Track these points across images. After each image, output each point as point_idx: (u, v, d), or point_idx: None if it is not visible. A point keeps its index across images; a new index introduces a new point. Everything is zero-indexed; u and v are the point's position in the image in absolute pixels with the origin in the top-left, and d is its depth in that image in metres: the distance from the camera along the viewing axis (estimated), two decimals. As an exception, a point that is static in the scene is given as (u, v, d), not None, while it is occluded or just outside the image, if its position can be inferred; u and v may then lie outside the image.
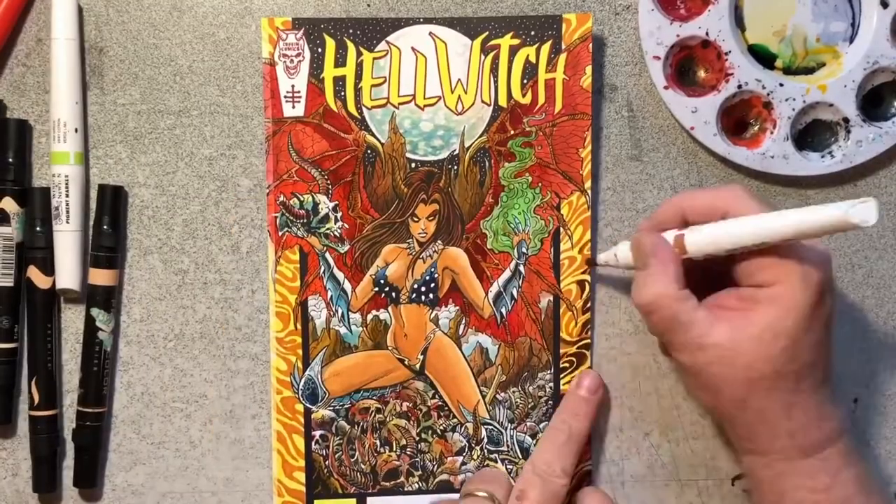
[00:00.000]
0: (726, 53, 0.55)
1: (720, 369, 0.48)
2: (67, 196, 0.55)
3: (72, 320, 0.57)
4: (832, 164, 0.57)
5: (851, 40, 0.56)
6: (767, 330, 0.47)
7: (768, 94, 0.56)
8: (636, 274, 0.51)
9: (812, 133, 0.57)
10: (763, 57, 0.56)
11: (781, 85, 0.56)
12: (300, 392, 0.56)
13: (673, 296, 0.48)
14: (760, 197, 0.50)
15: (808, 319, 0.47)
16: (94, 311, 0.55)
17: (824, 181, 0.58)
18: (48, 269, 0.55)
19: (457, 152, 0.56)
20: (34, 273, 0.55)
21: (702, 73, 0.57)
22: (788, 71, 0.57)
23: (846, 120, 0.56)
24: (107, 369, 0.56)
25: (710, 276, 0.51)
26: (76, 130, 0.55)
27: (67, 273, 0.55)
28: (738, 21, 0.56)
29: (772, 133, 0.56)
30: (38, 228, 0.55)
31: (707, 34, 0.55)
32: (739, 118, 0.57)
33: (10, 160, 0.55)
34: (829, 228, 0.45)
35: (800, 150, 0.57)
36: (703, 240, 0.49)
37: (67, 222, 0.55)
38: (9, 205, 0.55)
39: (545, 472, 0.53)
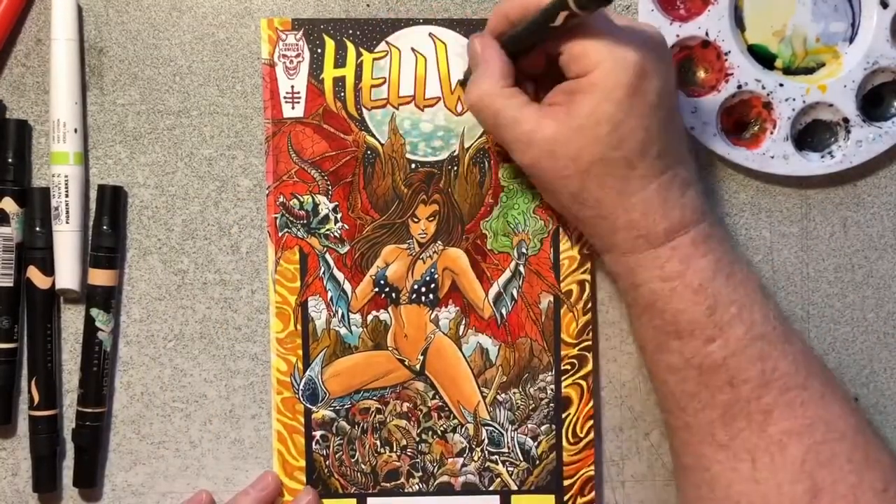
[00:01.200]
0: (726, 54, 0.56)
1: (550, 163, 0.48)
2: (67, 196, 0.55)
3: (71, 320, 0.57)
4: (832, 164, 0.57)
5: (851, 40, 0.57)
6: (588, 117, 0.47)
7: (768, 95, 0.56)
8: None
9: (812, 133, 0.57)
10: (763, 57, 0.57)
11: (781, 85, 0.56)
12: (300, 392, 0.56)
13: (496, 93, 0.49)
14: None
15: (627, 102, 0.47)
16: (94, 312, 0.55)
17: (824, 181, 0.58)
18: (48, 269, 0.55)
19: (456, 153, 0.56)
20: (34, 273, 0.55)
21: (701, 74, 0.57)
22: (788, 71, 0.57)
23: (846, 120, 0.56)
24: (106, 369, 0.56)
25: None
26: (76, 131, 0.55)
27: (67, 273, 0.55)
28: (738, 21, 0.56)
29: (772, 133, 0.57)
30: (37, 228, 0.55)
31: (707, 34, 0.55)
32: (739, 118, 0.57)
33: (10, 160, 0.55)
34: None
35: (800, 150, 0.57)
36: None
37: (67, 222, 0.55)
38: (9, 205, 0.55)
39: None
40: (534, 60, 0.51)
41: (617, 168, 0.47)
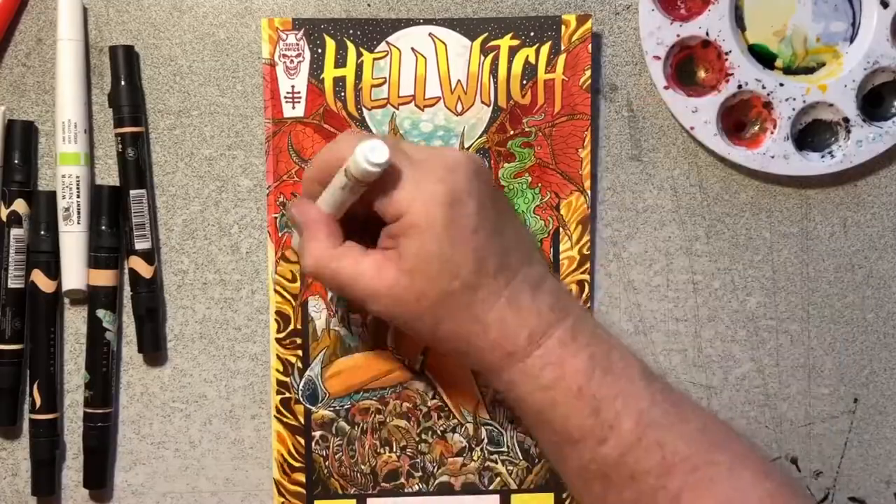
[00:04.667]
0: (726, 53, 0.57)
1: (400, 309, 0.49)
2: (79, 197, 0.56)
3: (71, 321, 0.58)
4: (832, 164, 0.58)
5: (851, 40, 0.58)
6: (416, 258, 0.48)
7: (768, 94, 0.58)
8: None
9: (812, 133, 0.59)
10: (763, 57, 0.58)
11: (781, 85, 0.57)
12: (300, 393, 0.58)
13: (328, 256, 0.49)
14: (367, 134, 0.51)
15: (447, 234, 0.47)
16: (101, 313, 0.56)
17: (824, 181, 0.59)
18: (52, 272, 0.56)
19: (457, 153, 0.58)
20: (38, 277, 0.56)
21: (702, 73, 0.59)
22: (788, 71, 0.58)
23: (846, 120, 0.58)
24: (114, 369, 0.57)
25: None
26: (86, 131, 0.56)
27: (76, 274, 0.56)
28: (739, 21, 0.58)
29: (772, 133, 0.58)
30: (42, 232, 0.56)
31: (707, 34, 0.57)
32: (739, 118, 0.59)
33: (17, 162, 0.56)
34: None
35: (800, 150, 0.58)
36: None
37: (78, 223, 0.56)
38: (21, 206, 0.56)
39: None
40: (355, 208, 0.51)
41: (460, 297, 0.48)
